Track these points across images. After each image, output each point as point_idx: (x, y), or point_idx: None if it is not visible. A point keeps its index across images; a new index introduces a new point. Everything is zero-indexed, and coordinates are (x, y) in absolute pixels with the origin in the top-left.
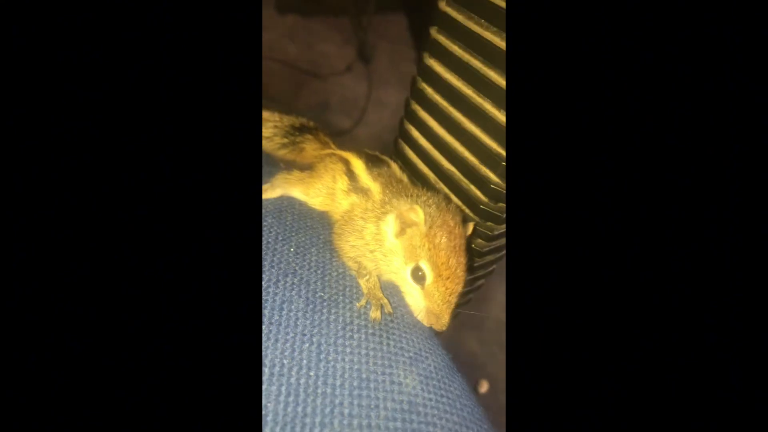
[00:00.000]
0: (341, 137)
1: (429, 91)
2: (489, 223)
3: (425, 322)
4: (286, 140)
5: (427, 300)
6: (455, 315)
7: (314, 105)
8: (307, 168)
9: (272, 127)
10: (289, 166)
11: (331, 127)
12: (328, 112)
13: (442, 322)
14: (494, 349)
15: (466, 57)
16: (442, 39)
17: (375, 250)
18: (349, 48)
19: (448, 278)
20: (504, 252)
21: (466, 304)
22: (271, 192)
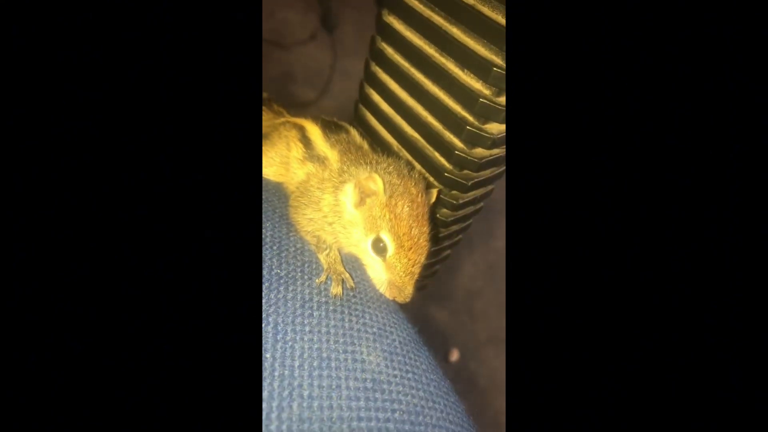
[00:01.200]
0: (306, 109)
1: (389, 51)
2: (454, 192)
3: (388, 295)
4: None
5: (389, 272)
6: (421, 287)
7: (277, 76)
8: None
9: None
10: None
11: (294, 99)
12: (291, 83)
13: (405, 293)
14: (464, 318)
15: (428, 13)
16: None
17: (333, 222)
18: (312, 15)
19: (411, 249)
20: (470, 222)
21: (432, 276)
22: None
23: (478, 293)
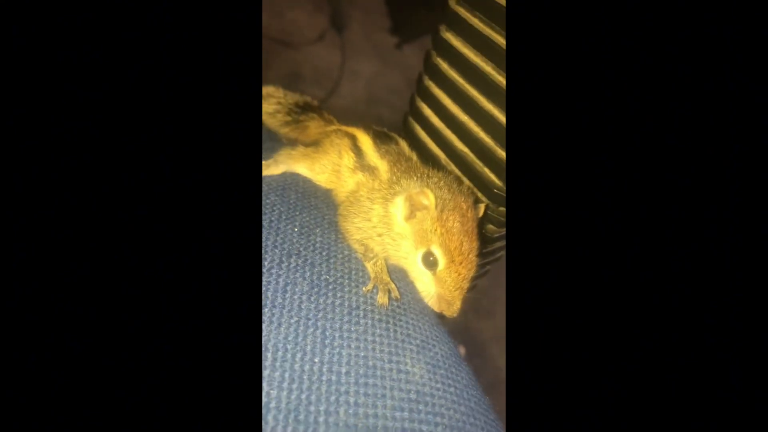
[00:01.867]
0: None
1: (444, 66)
2: (501, 209)
3: (436, 308)
4: (289, 118)
5: (439, 286)
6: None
7: (285, 75)
8: (312, 145)
9: (275, 103)
10: (293, 142)
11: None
12: (299, 83)
13: (454, 308)
14: (470, 316)
15: (487, 31)
16: (461, 11)
17: (383, 233)
18: (321, 16)
19: (461, 263)
20: None
21: (473, 290)
22: (274, 168)
23: (484, 291)
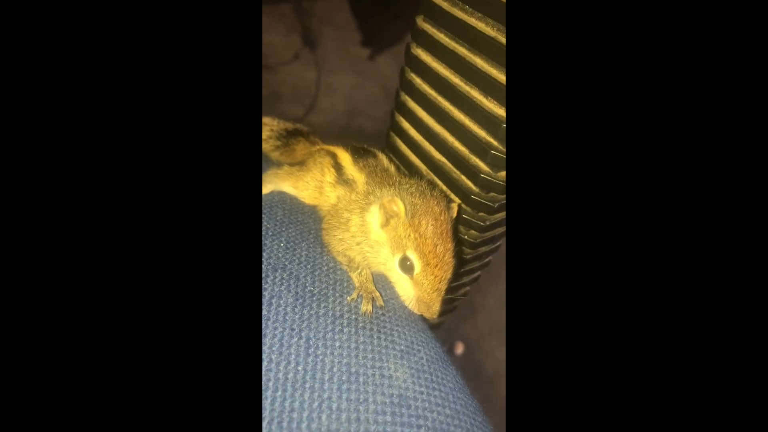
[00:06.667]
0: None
1: (417, 81)
2: (481, 213)
3: (416, 311)
4: (279, 143)
5: (417, 289)
6: (452, 308)
7: (266, 96)
8: (298, 163)
9: (269, 130)
10: (281, 163)
11: (284, 117)
12: (279, 102)
13: (433, 310)
14: (466, 312)
15: (452, 45)
16: (428, 28)
17: (361, 242)
18: (294, 36)
19: (437, 266)
20: (498, 243)
21: (465, 296)
22: (264, 186)
23: (477, 287)
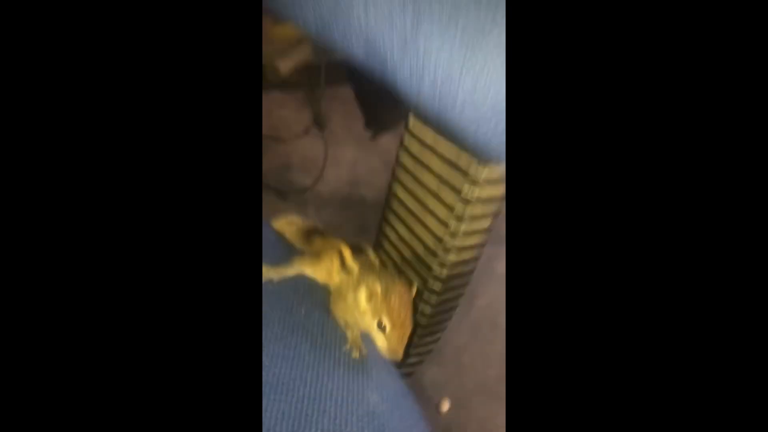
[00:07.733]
0: (304, 194)
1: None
2: (433, 297)
3: (387, 356)
4: (302, 236)
5: (388, 341)
6: (419, 361)
7: (278, 166)
8: (315, 254)
9: (295, 227)
10: (302, 252)
11: (294, 185)
12: (290, 172)
13: (398, 354)
14: (451, 371)
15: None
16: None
17: (354, 310)
18: (305, 112)
19: (401, 326)
20: (449, 316)
21: (428, 353)
22: (290, 270)
23: (465, 347)
